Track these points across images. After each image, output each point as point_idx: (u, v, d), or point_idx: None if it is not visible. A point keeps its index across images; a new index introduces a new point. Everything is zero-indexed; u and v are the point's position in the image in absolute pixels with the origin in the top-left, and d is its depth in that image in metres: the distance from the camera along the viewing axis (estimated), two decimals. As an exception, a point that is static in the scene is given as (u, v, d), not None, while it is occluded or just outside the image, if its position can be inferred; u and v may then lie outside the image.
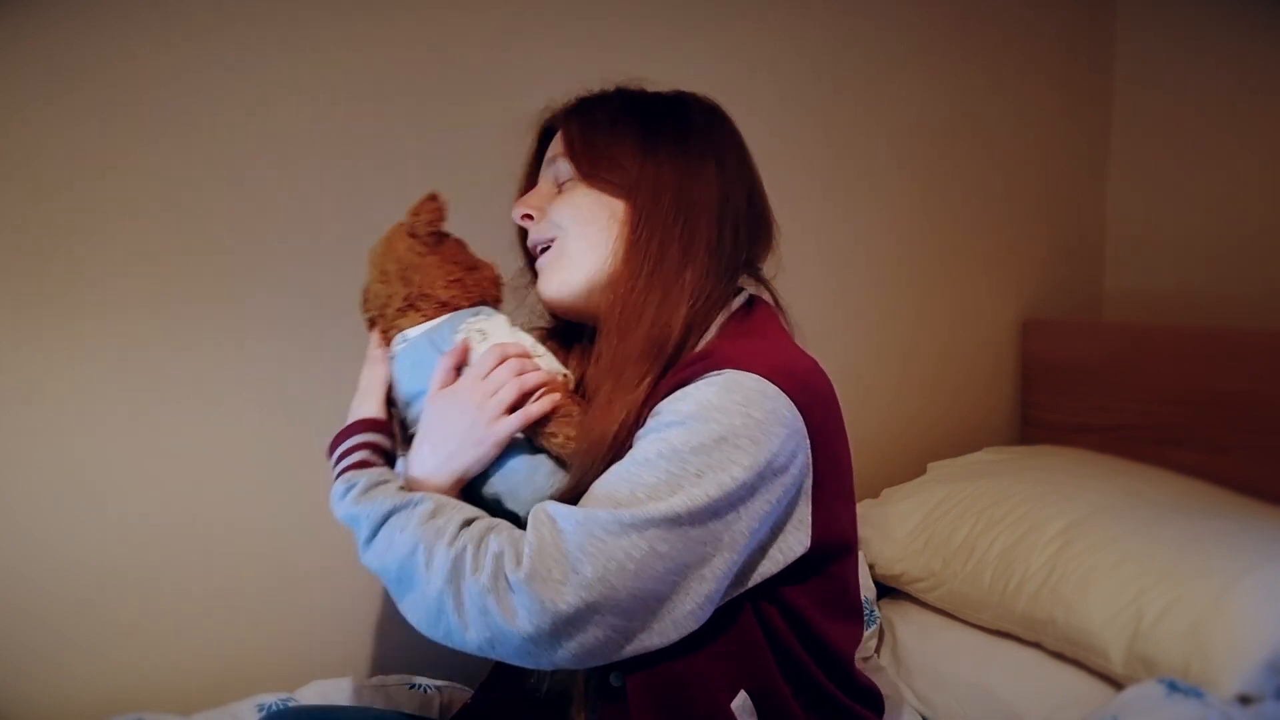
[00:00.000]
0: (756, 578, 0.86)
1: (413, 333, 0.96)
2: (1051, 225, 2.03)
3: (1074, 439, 1.84)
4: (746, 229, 0.98)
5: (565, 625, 0.77)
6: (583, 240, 0.94)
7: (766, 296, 1.01)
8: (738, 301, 0.97)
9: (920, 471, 1.77)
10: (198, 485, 1.26)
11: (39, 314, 1.16)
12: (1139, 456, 1.68)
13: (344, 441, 0.95)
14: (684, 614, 0.81)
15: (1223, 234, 1.88)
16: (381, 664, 1.37)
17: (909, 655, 1.48)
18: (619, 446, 0.86)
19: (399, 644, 1.40)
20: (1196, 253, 1.93)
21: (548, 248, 0.98)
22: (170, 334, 1.22)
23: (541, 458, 0.92)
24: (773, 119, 1.66)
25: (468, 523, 0.84)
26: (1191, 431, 1.69)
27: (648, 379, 0.88)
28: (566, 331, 1.07)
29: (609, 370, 0.90)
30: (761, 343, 0.91)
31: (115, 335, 1.20)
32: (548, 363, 0.94)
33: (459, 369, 0.94)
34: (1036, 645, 1.37)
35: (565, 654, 0.79)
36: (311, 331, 1.31)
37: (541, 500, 0.85)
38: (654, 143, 0.95)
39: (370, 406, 0.98)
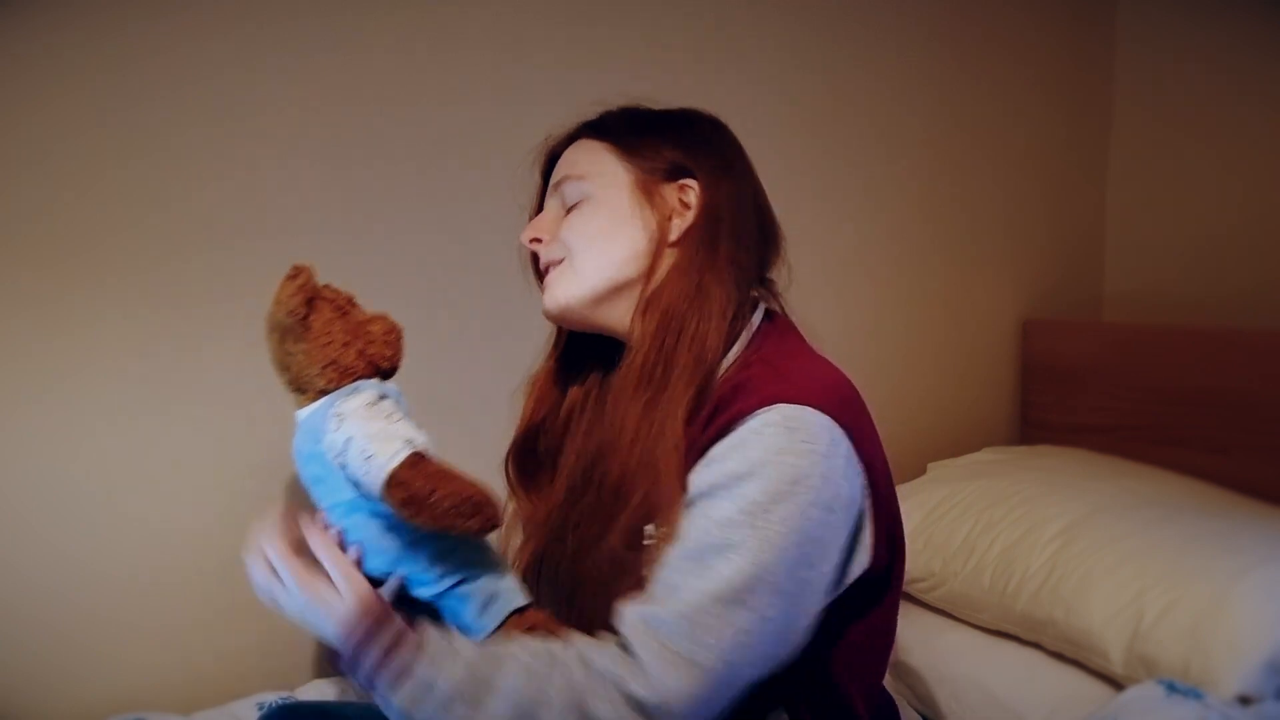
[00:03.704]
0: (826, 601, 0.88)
1: (301, 414, 0.96)
2: (1051, 225, 2.03)
3: (1074, 439, 1.84)
4: (759, 239, 0.99)
5: (704, 705, 0.78)
6: (593, 256, 0.94)
7: (776, 307, 1.01)
8: (758, 317, 0.97)
9: (920, 471, 1.77)
10: (198, 485, 1.26)
11: (41, 316, 1.16)
12: (1139, 456, 1.68)
13: (367, 646, 0.81)
14: (790, 651, 0.84)
15: (1223, 234, 1.88)
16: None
17: (909, 655, 1.48)
18: (673, 464, 0.86)
19: (399, 644, 1.40)
20: (1196, 253, 1.93)
21: (554, 266, 0.98)
22: (171, 336, 1.23)
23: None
24: (771, 120, 1.66)
25: (556, 655, 0.81)
26: (1191, 431, 1.69)
27: (688, 396, 0.88)
28: (570, 360, 1.06)
29: (642, 388, 0.90)
30: (793, 363, 0.91)
31: (116, 337, 1.20)
32: (403, 428, 0.89)
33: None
34: (1036, 645, 1.37)
35: (717, 710, 0.81)
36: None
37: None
38: (690, 153, 0.96)
39: (356, 592, 0.85)
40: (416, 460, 0.84)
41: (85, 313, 1.18)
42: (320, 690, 1.26)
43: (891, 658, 1.48)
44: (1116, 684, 1.24)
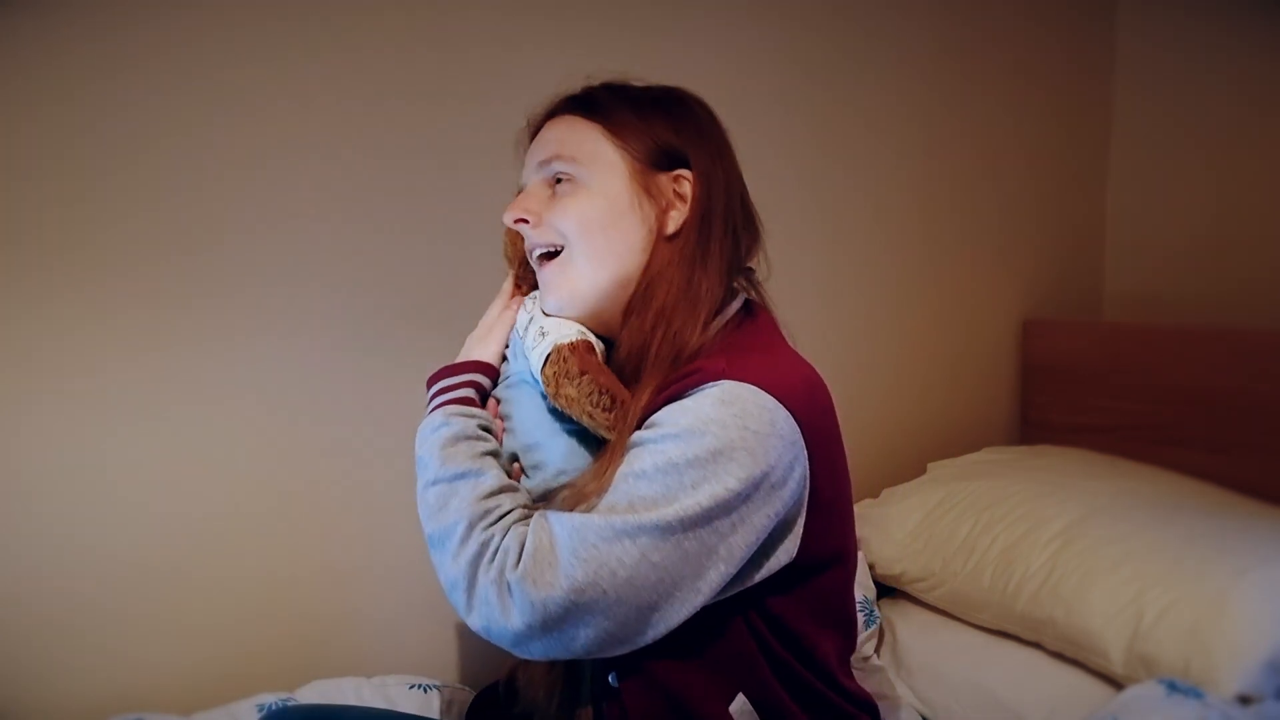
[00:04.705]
0: (738, 586, 0.86)
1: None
2: (1051, 225, 2.03)
3: (1074, 439, 1.84)
4: (742, 229, 0.97)
5: (554, 623, 0.80)
6: (594, 250, 0.93)
7: (755, 297, 1.00)
8: (734, 306, 0.96)
9: (920, 471, 1.77)
10: (199, 485, 1.26)
11: (46, 311, 1.16)
12: (1139, 456, 1.68)
13: (454, 375, 0.98)
14: (675, 621, 0.82)
15: (1223, 234, 1.89)
16: (382, 664, 1.37)
17: (909, 655, 1.48)
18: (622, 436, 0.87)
19: (399, 644, 1.40)
20: (1196, 253, 1.93)
21: (550, 253, 0.96)
22: (175, 331, 1.22)
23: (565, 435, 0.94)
24: (772, 121, 1.66)
25: (508, 513, 0.87)
26: (1191, 431, 1.69)
27: (655, 385, 0.88)
28: None
29: (629, 374, 0.91)
30: (761, 356, 0.90)
31: (121, 332, 1.20)
32: (583, 328, 0.95)
33: None
34: (1036, 645, 1.37)
35: (554, 648, 0.82)
36: (317, 329, 1.31)
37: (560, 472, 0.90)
38: (686, 140, 0.94)
39: (489, 350, 1.00)
40: (583, 345, 0.92)
41: (88, 308, 1.18)
42: (320, 690, 1.26)
43: (860, 651, 1.49)
44: (1116, 684, 1.24)
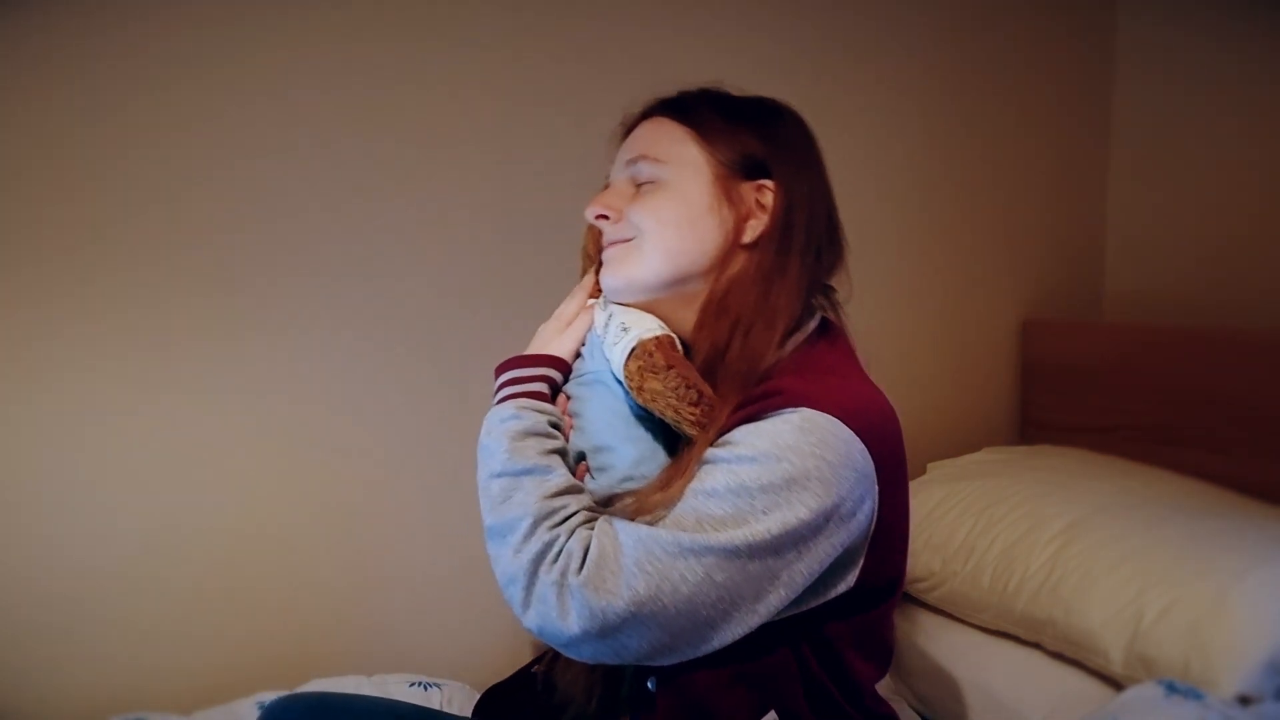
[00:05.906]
0: (794, 609, 0.86)
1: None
2: (1051, 225, 2.03)
3: (1074, 439, 1.84)
4: (825, 246, 0.97)
5: (611, 631, 0.79)
6: (664, 242, 0.93)
7: (833, 317, 1.00)
8: (812, 325, 0.95)
9: (920, 472, 1.77)
10: (199, 485, 1.26)
11: (41, 313, 1.16)
12: (1139, 456, 1.68)
13: (528, 366, 0.96)
14: (729, 639, 0.82)
15: (1223, 234, 1.88)
16: (382, 662, 1.38)
17: (909, 655, 1.48)
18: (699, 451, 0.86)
19: (400, 642, 1.40)
20: (1196, 253, 1.93)
21: (621, 244, 0.96)
22: (173, 334, 1.23)
23: (648, 438, 0.93)
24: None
25: (573, 514, 0.86)
26: (1191, 431, 1.69)
27: (734, 403, 0.87)
28: None
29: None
30: (836, 380, 0.89)
31: (118, 336, 1.20)
32: (638, 319, 0.94)
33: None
34: (1036, 645, 1.37)
35: (605, 654, 0.81)
36: (316, 331, 1.31)
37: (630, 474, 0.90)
38: (772, 151, 0.95)
39: (565, 345, 0.99)
40: (667, 340, 0.92)
41: (86, 314, 1.18)
42: (320, 688, 1.26)
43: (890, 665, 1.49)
44: (1116, 684, 1.24)
